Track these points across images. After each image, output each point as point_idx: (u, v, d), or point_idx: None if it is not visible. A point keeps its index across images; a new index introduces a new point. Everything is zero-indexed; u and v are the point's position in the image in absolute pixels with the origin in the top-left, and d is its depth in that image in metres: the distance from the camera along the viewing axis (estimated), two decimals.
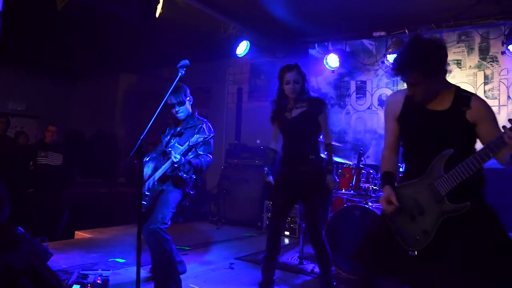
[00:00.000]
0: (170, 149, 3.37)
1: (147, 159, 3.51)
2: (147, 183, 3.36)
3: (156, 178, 3.30)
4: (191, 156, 3.29)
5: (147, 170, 3.44)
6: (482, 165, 1.88)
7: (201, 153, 3.33)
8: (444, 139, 2.03)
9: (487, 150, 1.85)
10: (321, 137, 3.40)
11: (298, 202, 3.66)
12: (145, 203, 3.27)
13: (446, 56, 2.03)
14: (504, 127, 1.76)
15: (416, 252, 2.03)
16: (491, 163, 1.92)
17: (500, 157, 1.92)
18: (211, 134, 3.16)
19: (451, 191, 1.96)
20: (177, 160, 3.10)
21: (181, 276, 3.36)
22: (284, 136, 3.36)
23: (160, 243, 3.07)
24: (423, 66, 1.95)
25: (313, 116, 3.25)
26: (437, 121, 2.07)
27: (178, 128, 3.47)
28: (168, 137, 3.51)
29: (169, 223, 3.17)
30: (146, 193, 3.33)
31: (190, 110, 3.50)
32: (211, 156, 3.40)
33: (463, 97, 2.05)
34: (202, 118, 3.51)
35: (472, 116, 2.00)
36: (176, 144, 3.34)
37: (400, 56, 2.03)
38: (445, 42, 2.08)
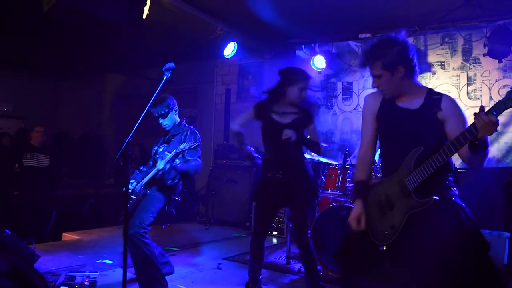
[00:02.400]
0: (158, 156, 3.44)
1: (139, 171, 3.55)
2: (134, 187, 3.39)
3: (143, 183, 3.33)
4: (178, 162, 3.33)
5: (137, 176, 3.49)
6: (447, 159, 1.93)
7: (189, 158, 3.37)
8: (416, 137, 2.11)
9: (453, 143, 1.89)
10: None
11: (284, 207, 3.64)
12: (128, 206, 3.27)
13: (406, 51, 2.11)
14: (475, 113, 1.80)
15: (384, 247, 2.09)
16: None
17: (462, 154, 1.99)
18: (197, 143, 3.25)
19: (418, 186, 2.02)
20: (162, 167, 3.20)
21: (169, 277, 3.39)
22: (269, 140, 3.25)
23: (139, 248, 3.08)
24: (381, 57, 2.10)
25: (304, 125, 3.20)
26: (409, 120, 2.16)
27: (167, 137, 3.53)
28: (157, 146, 3.57)
29: (148, 228, 3.18)
30: (132, 196, 3.35)
31: (177, 119, 3.55)
32: (199, 160, 3.44)
33: (434, 100, 2.14)
34: (189, 125, 3.56)
35: (442, 115, 2.10)
36: (166, 152, 3.38)
37: (365, 49, 2.19)
38: (406, 42, 2.14)
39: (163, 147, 3.50)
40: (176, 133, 3.48)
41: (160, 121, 3.46)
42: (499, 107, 1.74)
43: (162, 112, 3.41)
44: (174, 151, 3.21)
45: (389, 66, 2.10)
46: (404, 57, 2.11)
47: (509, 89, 1.74)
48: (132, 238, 3.07)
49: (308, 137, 3.22)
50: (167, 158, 3.23)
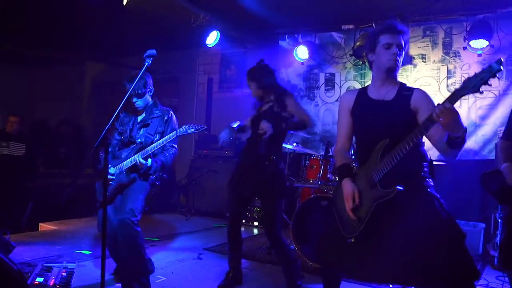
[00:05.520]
0: (140, 139, 3.26)
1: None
2: (114, 169, 3.19)
3: (124, 168, 3.18)
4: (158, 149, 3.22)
5: (113, 160, 3.29)
6: (410, 148, 1.95)
7: (169, 144, 3.25)
8: (390, 128, 2.14)
9: (415, 132, 1.94)
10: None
11: (254, 199, 3.68)
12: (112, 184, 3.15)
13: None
14: (435, 105, 1.86)
15: (353, 239, 2.12)
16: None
17: (440, 147, 2.03)
18: (178, 129, 3.14)
19: (386, 177, 2.05)
20: (144, 163, 3.07)
21: None
22: (251, 131, 3.31)
23: (130, 235, 2.97)
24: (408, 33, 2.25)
25: (281, 110, 3.20)
26: (383, 110, 2.21)
27: (142, 117, 3.33)
28: (131, 126, 3.34)
29: (139, 216, 3.07)
30: (111, 183, 3.16)
31: (150, 100, 3.37)
32: (176, 147, 3.33)
33: (406, 88, 2.25)
34: (167, 108, 3.41)
35: (414, 103, 2.16)
36: (147, 134, 3.23)
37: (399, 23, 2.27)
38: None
39: (142, 130, 3.30)
40: (155, 116, 3.30)
41: (134, 100, 3.23)
42: (455, 95, 1.80)
43: (139, 91, 3.21)
44: (165, 138, 3.08)
45: (406, 43, 2.22)
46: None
47: (468, 75, 1.78)
48: (123, 224, 2.95)
49: (286, 122, 3.18)
50: (148, 149, 3.09)
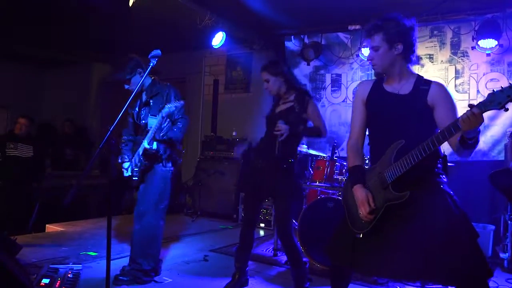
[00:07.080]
0: (144, 121, 3.30)
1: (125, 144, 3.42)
2: (133, 160, 3.27)
3: (140, 153, 3.20)
4: (166, 125, 3.24)
5: (128, 153, 3.36)
6: (429, 152, 1.91)
7: (178, 117, 3.27)
8: (404, 123, 2.10)
9: (438, 136, 1.88)
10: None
11: (267, 198, 3.65)
12: (136, 178, 3.23)
13: (410, 32, 2.15)
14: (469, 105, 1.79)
15: (361, 235, 2.11)
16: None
17: (453, 144, 1.98)
18: (182, 103, 3.17)
19: (398, 179, 2.01)
20: (149, 147, 3.09)
21: None
22: (266, 129, 3.28)
23: (150, 226, 3.12)
24: (385, 29, 2.13)
25: (299, 113, 3.14)
26: (398, 105, 2.15)
27: (145, 99, 3.34)
28: (137, 109, 3.38)
29: (163, 204, 3.21)
30: (135, 168, 3.24)
31: (147, 80, 3.36)
32: (187, 116, 3.35)
33: (424, 81, 2.16)
34: (166, 84, 3.41)
35: (431, 98, 2.09)
36: (150, 116, 3.24)
37: (372, 20, 2.21)
38: (414, 26, 2.19)
39: (144, 111, 3.31)
40: (154, 94, 3.31)
41: (126, 87, 3.30)
42: (479, 107, 1.74)
43: (124, 78, 3.26)
44: (159, 117, 3.08)
45: (389, 39, 2.12)
46: (406, 37, 2.14)
47: (493, 90, 1.72)
48: (144, 216, 3.11)
49: (304, 126, 3.20)
50: (150, 134, 3.09)
